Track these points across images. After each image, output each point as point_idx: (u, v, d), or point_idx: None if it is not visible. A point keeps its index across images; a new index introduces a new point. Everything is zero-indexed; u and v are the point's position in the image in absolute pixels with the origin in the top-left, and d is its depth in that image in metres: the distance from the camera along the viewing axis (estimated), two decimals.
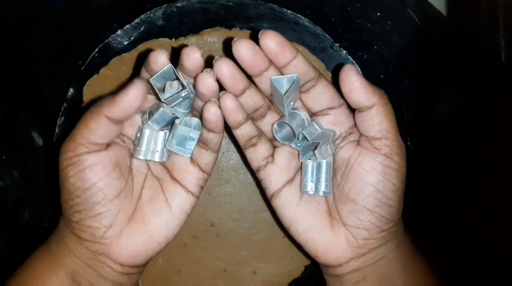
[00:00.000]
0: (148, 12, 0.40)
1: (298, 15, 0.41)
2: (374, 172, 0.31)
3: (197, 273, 0.41)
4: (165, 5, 0.40)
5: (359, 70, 0.38)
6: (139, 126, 0.33)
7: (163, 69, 0.29)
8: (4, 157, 0.40)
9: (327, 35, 0.41)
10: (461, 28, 0.41)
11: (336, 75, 0.41)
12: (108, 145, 0.32)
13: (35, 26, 0.40)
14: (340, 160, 0.33)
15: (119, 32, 0.40)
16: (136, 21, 0.40)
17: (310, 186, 0.33)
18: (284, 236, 0.41)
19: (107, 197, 0.31)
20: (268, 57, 0.30)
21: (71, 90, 0.40)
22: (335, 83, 0.41)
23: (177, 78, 0.30)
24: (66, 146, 0.31)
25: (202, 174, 0.34)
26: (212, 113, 0.30)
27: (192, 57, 0.29)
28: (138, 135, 0.33)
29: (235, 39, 0.29)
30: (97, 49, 0.40)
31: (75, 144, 0.30)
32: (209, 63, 0.31)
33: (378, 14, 0.40)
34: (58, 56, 0.40)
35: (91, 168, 0.31)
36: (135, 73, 0.40)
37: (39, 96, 0.40)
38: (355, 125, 0.32)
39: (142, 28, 0.40)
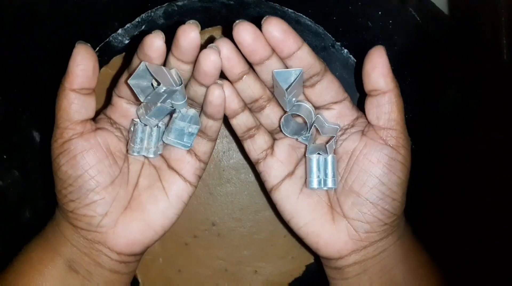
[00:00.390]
0: (149, 11, 0.40)
1: (299, 14, 0.41)
2: (379, 164, 0.31)
3: (198, 272, 0.41)
4: (166, 4, 0.40)
5: None
6: (133, 119, 0.33)
7: (138, 67, 0.29)
8: (4, 157, 0.40)
9: (328, 34, 0.41)
10: (462, 26, 0.41)
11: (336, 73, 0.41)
12: (97, 129, 0.32)
13: (35, 25, 0.39)
14: (343, 152, 0.33)
15: (120, 31, 0.40)
16: (137, 20, 0.40)
17: (316, 182, 0.33)
18: (285, 236, 0.41)
19: (100, 185, 0.31)
20: (270, 46, 0.29)
21: None
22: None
23: (153, 76, 0.29)
24: (54, 136, 0.31)
25: (199, 164, 0.34)
26: (216, 96, 0.30)
27: (189, 35, 0.28)
28: (132, 129, 0.33)
29: (236, 21, 0.28)
30: (97, 48, 0.40)
31: (60, 130, 0.30)
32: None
33: (380, 13, 0.40)
34: (59, 55, 0.40)
35: (81, 155, 0.30)
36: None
37: (39, 96, 0.40)
38: (364, 113, 0.32)
39: (143, 27, 0.40)
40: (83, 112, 0.31)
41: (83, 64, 0.29)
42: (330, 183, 0.32)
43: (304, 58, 0.30)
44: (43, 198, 0.41)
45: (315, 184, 0.33)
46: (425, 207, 0.40)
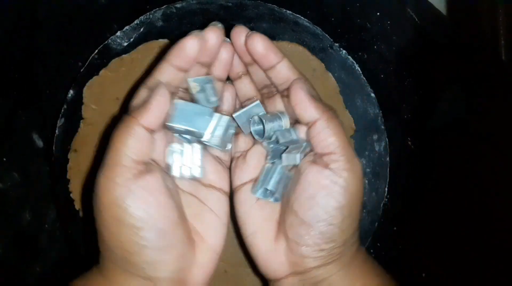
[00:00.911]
0: (148, 13, 0.40)
1: (297, 15, 0.41)
2: (317, 186, 0.30)
3: None
4: (165, 6, 0.40)
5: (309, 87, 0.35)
6: (169, 146, 0.32)
7: (175, 108, 0.30)
8: (4, 159, 0.40)
9: (326, 35, 0.41)
10: (461, 27, 0.41)
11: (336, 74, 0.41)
12: (154, 164, 0.30)
13: (35, 27, 0.40)
14: (295, 174, 0.32)
15: (118, 33, 0.40)
16: (135, 22, 0.40)
17: (260, 191, 0.32)
18: None
19: (172, 222, 0.29)
20: (253, 59, 0.32)
21: (71, 91, 0.40)
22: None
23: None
24: (113, 173, 0.27)
25: (227, 170, 0.35)
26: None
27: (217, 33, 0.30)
28: (173, 154, 0.32)
29: (235, 26, 0.32)
30: (96, 51, 0.40)
31: (124, 168, 0.27)
32: None
33: (378, 13, 0.40)
34: (58, 57, 0.40)
35: (152, 192, 0.28)
36: (134, 74, 0.40)
37: (39, 98, 0.40)
38: None
39: (141, 29, 0.40)
40: (149, 152, 0.29)
41: (162, 107, 0.29)
42: (270, 186, 0.32)
43: (282, 72, 0.32)
44: (43, 200, 0.41)
45: (258, 192, 0.32)
46: (425, 207, 0.40)
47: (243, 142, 0.35)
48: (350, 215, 0.30)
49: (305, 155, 0.32)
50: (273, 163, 0.33)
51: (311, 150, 0.32)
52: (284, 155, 0.31)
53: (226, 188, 0.34)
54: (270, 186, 0.32)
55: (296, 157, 0.31)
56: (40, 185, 0.41)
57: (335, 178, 0.30)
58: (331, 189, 0.29)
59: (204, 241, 0.31)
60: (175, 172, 0.31)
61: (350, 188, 0.30)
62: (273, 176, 0.32)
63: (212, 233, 0.32)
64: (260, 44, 0.31)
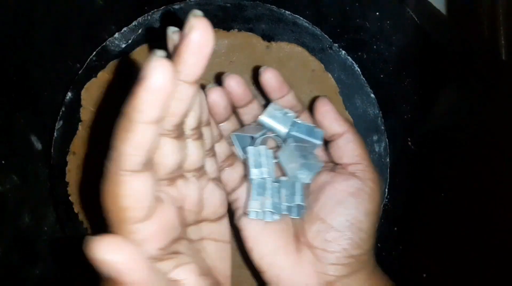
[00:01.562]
0: (146, 14, 0.40)
1: (296, 15, 0.41)
2: (346, 193, 0.31)
3: None
4: (163, 7, 0.40)
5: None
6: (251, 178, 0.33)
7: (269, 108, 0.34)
8: (3, 162, 0.40)
9: (326, 35, 0.41)
10: (460, 26, 0.41)
11: (336, 75, 0.41)
12: None
13: (32, 29, 0.39)
14: (314, 186, 0.33)
15: (116, 35, 0.40)
16: (133, 23, 0.40)
17: (254, 205, 0.31)
18: None
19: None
20: (267, 91, 0.34)
21: (69, 94, 0.40)
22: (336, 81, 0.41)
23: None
24: None
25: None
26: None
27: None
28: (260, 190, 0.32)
29: (225, 74, 0.33)
30: (94, 53, 0.40)
31: None
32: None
33: (377, 13, 0.40)
34: (56, 59, 0.40)
35: None
36: (133, 76, 0.40)
37: (37, 100, 0.40)
38: (330, 156, 0.34)
39: (139, 31, 0.40)
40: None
41: None
42: (268, 205, 0.32)
43: (290, 101, 0.35)
44: (43, 203, 0.41)
45: (252, 207, 0.31)
46: (426, 208, 0.40)
47: (241, 168, 0.34)
48: (374, 224, 0.31)
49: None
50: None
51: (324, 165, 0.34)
52: (299, 172, 0.33)
53: (226, 210, 0.31)
54: (270, 207, 0.32)
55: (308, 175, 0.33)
56: (39, 188, 0.41)
57: (362, 186, 0.31)
58: (359, 196, 0.31)
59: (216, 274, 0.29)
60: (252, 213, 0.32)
61: (375, 196, 0.32)
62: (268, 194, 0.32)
63: (218, 262, 0.29)
64: (275, 79, 0.33)
